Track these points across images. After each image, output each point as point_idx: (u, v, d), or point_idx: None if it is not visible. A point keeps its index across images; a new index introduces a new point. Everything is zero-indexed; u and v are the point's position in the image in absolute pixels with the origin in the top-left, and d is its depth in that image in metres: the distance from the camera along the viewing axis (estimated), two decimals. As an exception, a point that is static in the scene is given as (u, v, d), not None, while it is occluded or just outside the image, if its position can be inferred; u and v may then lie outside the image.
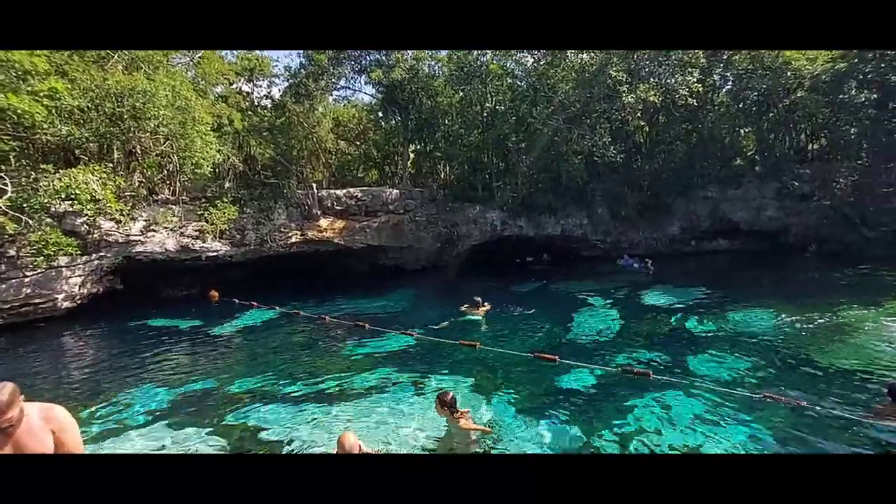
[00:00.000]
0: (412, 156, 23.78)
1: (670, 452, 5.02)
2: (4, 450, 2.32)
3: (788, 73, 17.50)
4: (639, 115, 17.05)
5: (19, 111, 10.35)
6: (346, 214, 18.34)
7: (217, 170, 16.65)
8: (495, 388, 6.89)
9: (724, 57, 18.81)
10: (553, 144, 18.19)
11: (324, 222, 17.82)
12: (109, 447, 5.42)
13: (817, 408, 5.50)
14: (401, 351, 9.09)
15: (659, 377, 6.73)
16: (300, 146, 20.41)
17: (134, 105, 12.19)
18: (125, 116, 12.24)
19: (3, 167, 11.38)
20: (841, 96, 17.26)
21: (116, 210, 12.38)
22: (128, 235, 13.71)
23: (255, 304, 13.52)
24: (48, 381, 8.23)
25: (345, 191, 18.79)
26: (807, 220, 19.00)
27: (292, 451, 5.21)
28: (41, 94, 10.71)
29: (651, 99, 16.33)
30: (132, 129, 12.59)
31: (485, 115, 20.41)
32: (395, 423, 5.80)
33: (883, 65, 16.55)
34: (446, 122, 20.94)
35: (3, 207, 10.70)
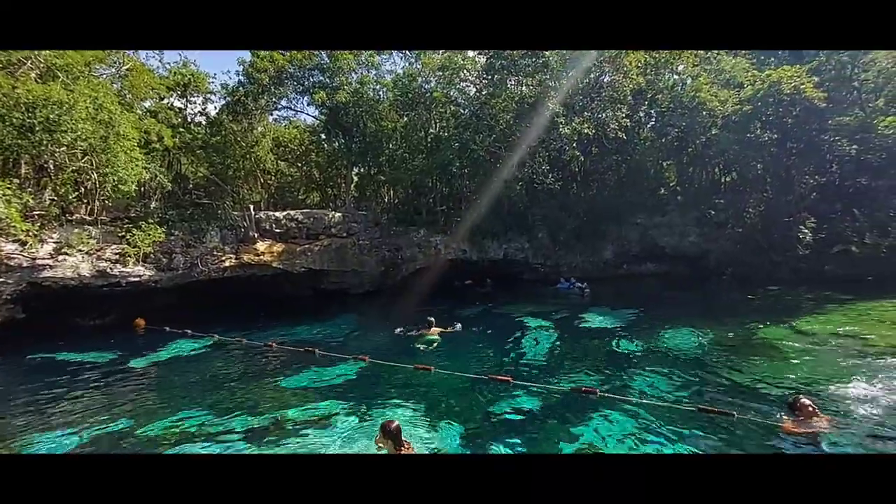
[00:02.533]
0: (356, 179, 23.54)
1: (670, 453, 5.18)
2: None
3: (704, 113, 19.45)
4: (574, 145, 18.11)
5: None
6: (285, 237, 17.65)
7: (142, 188, 15.48)
8: (449, 412, 6.80)
9: (649, 95, 20.60)
10: (495, 171, 18.80)
11: (261, 245, 17.01)
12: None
13: (739, 416, 5.92)
14: (351, 378, 8.76)
15: (605, 394, 6.96)
16: (237, 165, 19.52)
17: (48, 116, 11.12)
18: (37, 128, 11.12)
19: None
20: (748, 135, 19.39)
21: (22, 231, 11.09)
22: (34, 259, 12.26)
23: (188, 332, 12.51)
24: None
25: (285, 213, 18.14)
26: (723, 245, 20.86)
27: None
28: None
29: (585, 131, 17.44)
30: (45, 142, 11.44)
31: (429, 140, 20.75)
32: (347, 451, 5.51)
33: (781, 109, 18.85)
34: (390, 146, 21.03)
35: None
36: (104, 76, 15.83)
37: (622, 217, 21.59)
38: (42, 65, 12.87)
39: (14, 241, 11.70)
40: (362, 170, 23.17)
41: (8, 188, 11.00)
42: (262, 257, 16.79)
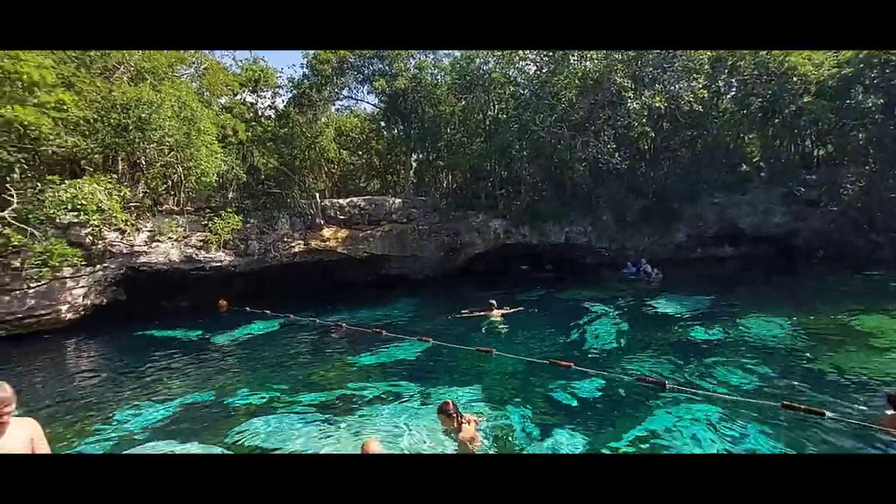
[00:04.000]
0: (415, 165, 23.78)
1: (670, 453, 4.90)
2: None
3: (794, 79, 17.45)
4: (644, 121, 16.99)
5: (25, 123, 10.38)
6: (349, 223, 18.30)
7: (221, 180, 16.65)
8: (509, 395, 6.78)
9: (729, 63, 18.80)
10: (557, 152, 18.15)
11: (327, 231, 17.77)
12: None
13: (830, 415, 5.35)
14: (413, 359, 9.00)
15: (674, 386, 6.59)
16: (303, 156, 20.41)
17: (139, 116, 12.22)
18: (131, 127, 12.26)
19: (8, 179, 11.40)
20: (847, 101, 17.18)
21: (122, 220, 12.35)
22: (132, 246, 13.68)
23: (266, 312, 13.42)
24: (49, 394, 8.12)
25: (348, 200, 18.77)
26: (814, 225, 18.82)
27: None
28: (48, 106, 10.75)
29: (656, 105, 16.29)
30: (137, 139, 12.60)
31: (487, 123, 20.42)
32: (405, 433, 5.67)
33: (888, 70, 16.48)
34: (448, 130, 20.95)
35: (9, 219, 10.69)
36: (185, 76, 17.09)
37: (697, 196, 20.09)
38: (133, 69, 14.13)
39: (115, 230, 13.11)
40: (421, 155, 23.34)
41: (109, 183, 12.24)
42: (327, 243, 17.55)
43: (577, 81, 17.85)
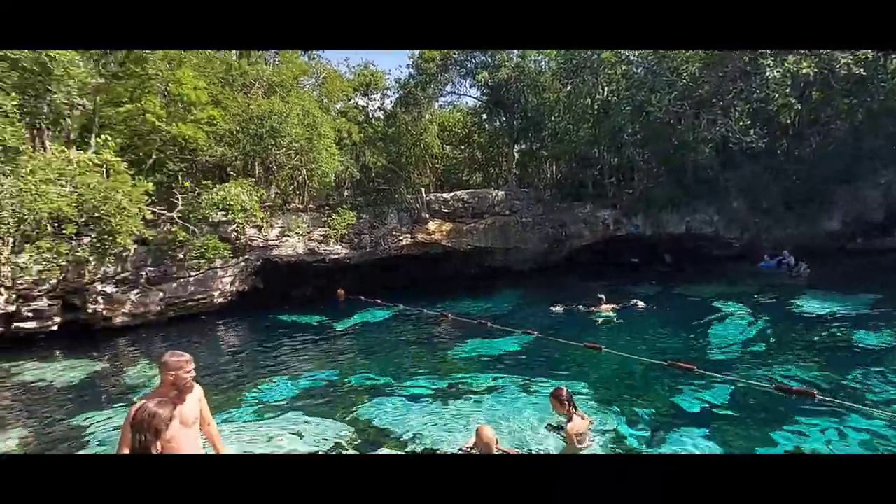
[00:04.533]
0: (517, 156, 23.43)
1: (669, 453, 4.56)
2: (181, 405, 2.92)
3: None
4: (787, 91, 14.64)
5: (186, 137, 12.31)
6: (452, 217, 18.68)
7: (338, 179, 18.11)
8: (620, 396, 6.38)
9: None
10: (677, 133, 16.49)
11: (432, 225, 18.35)
12: (253, 428, 6.06)
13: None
14: (517, 351, 8.94)
15: (825, 398, 5.62)
16: (409, 153, 21.31)
17: (272, 125, 13.77)
18: (265, 136, 13.88)
19: (174, 185, 13.67)
20: None
21: (260, 218, 14.04)
22: (267, 240, 15.54)
23: (378, 301, 14.36)
24: (206, 366, 9.54)
25: (451, 194, 19.16)
26: None
27: (415, 447, 5.30)
28: (202, 122, 12.63)
29: (803, 71, 13.91)
30: (270, 146, 14.25)
31: (595, 107, 19.29)
32: (510, 422, 5.64)
33: None
34: (552, 118, 20.24)
35: (176, 218, 12.80)
36: (307, 86, 18.85)
37: (856, 175, 16.80)
38: (265, 84, 15.95)
39: (254, 227, 14.99)
40: (524, 146, 22.92)
41: (249, 185, 13.98)
42: (432, 236, 18.14)
43: (701, 53, 15.99)
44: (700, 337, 9.18)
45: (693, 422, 5.49)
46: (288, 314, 14.24)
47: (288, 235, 15.92)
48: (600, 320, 10.66)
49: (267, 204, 15.42)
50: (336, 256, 16.96)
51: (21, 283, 11.68)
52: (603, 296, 11.15)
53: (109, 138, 12.01)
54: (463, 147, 26.02)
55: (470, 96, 23.55)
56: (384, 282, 18.08)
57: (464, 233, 18.42)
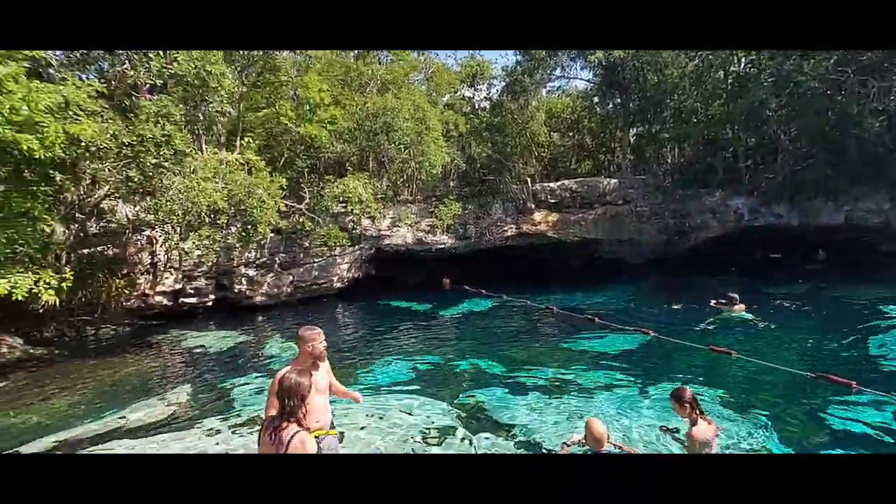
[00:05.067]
0: (632, 141, 21.74)
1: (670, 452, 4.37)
2: (315, 374, 3.17)
3: None
4: None
5: (312, 136, 13.55)
6: (560, 207, 18.03)
7: (444, 171, 18.55)
8: (752, 409, 5.62)
9: None
10: (837, 105, 13.88)
11: (538, 215, 17.91)
12: (367, 404, 6.47)
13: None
14: (630, 350, 8.37)
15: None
16: (514, 142, 20.99)
17: (385, 121, 14.53)
18: (378, 132, 14.71)
19: (301, 180, 15.17)
20: None
21: (374, 209, 14.95)
22: (379, 230, 16.55)
23: (483, 291, 14.51)
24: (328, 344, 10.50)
25: (558, 183, 18.48)
26: None
27: (520, 436, 5.24)
28: (325, 121, 13.80)
29: None
30: (382, 141, 15.07)
31: (729, 81, 17.05)
32: (622, 422, 5.29)
33: None
34: (676, 97, 18.34)
35: (304, 210, 14.20)
36: (416, 81, 19.52)
37: None
38: (379, 82, 16.87)
39: (368, 218, 16.03)
40: (641, 129, 21.19)
41: (365, 179, 14.93)
42: (538, 227, 17.71)
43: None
44: (857, 346, 7.68)
45: (843, 444, 4.62)
46: (397, 300, 15.03)
47: (398, 226, 16.76)
48: (727, 323, 9.46)
49: (379, 196, 16.39)
50: (442, 246, 17.45)
51: (186, 265, 13.97)
52: (736, 295, 9.87)
53: (251, 140, 13.73)
54: (571, 134, 24.91)
55: (580, 79, 22.42)
56: (488, 272, 18.16)
57: (571, 223, 17.69)
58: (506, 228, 17.93)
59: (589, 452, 4.03)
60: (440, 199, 17.75)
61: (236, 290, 14.65)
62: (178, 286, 13.97)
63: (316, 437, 2.91)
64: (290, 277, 15.41)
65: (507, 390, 6.71)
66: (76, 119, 7.08)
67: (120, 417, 6.47)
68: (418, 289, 17.34)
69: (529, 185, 18.22)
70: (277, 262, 15.17)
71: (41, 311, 10.80)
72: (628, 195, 17.86)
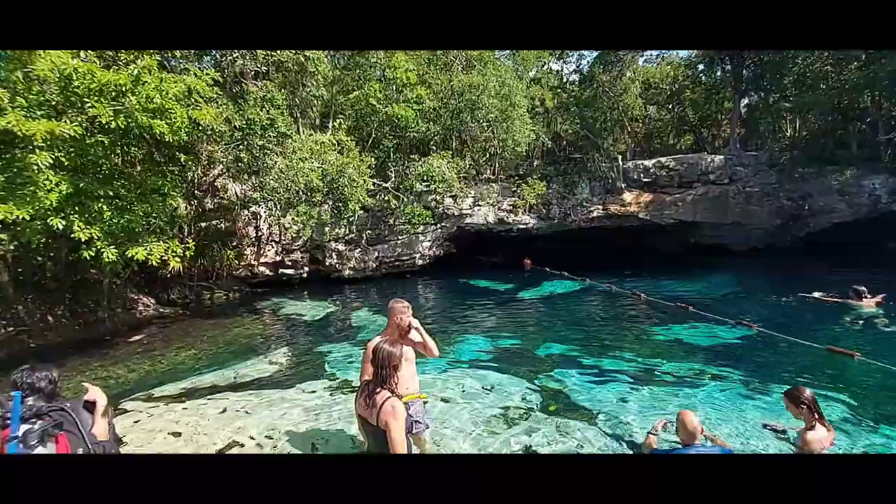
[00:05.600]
0: (744, 112, 19.44)
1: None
2: (407, 341, 3.45)
3: None
4: None
5: (399, 116, 13.83)
6: (653, 187, 16.80)
7: (528, 149, 18.06)
8: (875, 420, 4.91)
9: None
10: None
11: (628, 196, 16.86)
12: (446, 378, 6.65)
13: None
14: (730, 345, 7.69)
15: None
16: (604, 117, 19.78)
17: (470, 99, 14.42)
18: (463, 110, 14.65)
19: (388, 159, 15.64)
20: None
21: (457, 188, 15.06)
22: (460, 209, 16.66)
23: (565, 273, 14.13)
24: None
25: (654, 161, 17.16)
26: None
27: (602, 424, 5.09)
28: (411, 101, 14.00)
29: None
30: (466, 120, 15.00)
31: (872, 39, 14.44)
32: (718, 418, 4.90)
33: None
34: (799, 61, 16.00)
35: (390, 189, 14.70)
36: (500, 56, 19.02)
37: None
38: (464, 59, 16.68)
39: (450, 197, 16.20)
40: (754, 99, 18.88)
41: (448, 158, 15.02)
42: (627, 208, 16.69)
43: None
44: None
45: None
46: (477, 279, 15.13)
47: (479, 205, 16.74)
48: (861, 319, 8.27)
49: (462, 175, 16.43)
50: (524, 226, 17.17)
51: (285, 239, 15.23)
52: (864, 287, 8.59)
53: (341, 122, 14.40)
54: (670, 106, 22.92)
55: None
56: (572, 254, 17.57)
57: (667, 204, 16.43)
58: (592, 209, 17.14)
59: (675, 446, 3.80)
60: (523, 177, 17.39)
61: (327, 264, 15.70)
62: (278, 258, 15.31)
63: (405, 402, 3.05)
64: (376, 253, 16.16)
65: (589, 375, 6.51)
66: (197, 105, 7.91)
67: (232, 372, 7.31)
68: (498, 268, 17.31)
69: (620, 162, 17.15)
70: (364, 238, 15.97)
71: (168, 276, 12.46)
72: (736, 173, 16.14)
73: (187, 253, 9.66)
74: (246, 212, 14.56)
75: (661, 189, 16.67)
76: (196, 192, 12.91)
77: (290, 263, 15.46)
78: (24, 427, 2.23)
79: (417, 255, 16.64)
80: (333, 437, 4.69)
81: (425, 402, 3.83)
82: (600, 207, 17.09)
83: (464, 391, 5.96)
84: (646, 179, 16.76)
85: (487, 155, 18.12)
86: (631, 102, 19.71)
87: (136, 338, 9.78)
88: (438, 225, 16.56)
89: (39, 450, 2.25)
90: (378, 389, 2.62)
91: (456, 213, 16.62)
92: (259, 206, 13.27)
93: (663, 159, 17.01)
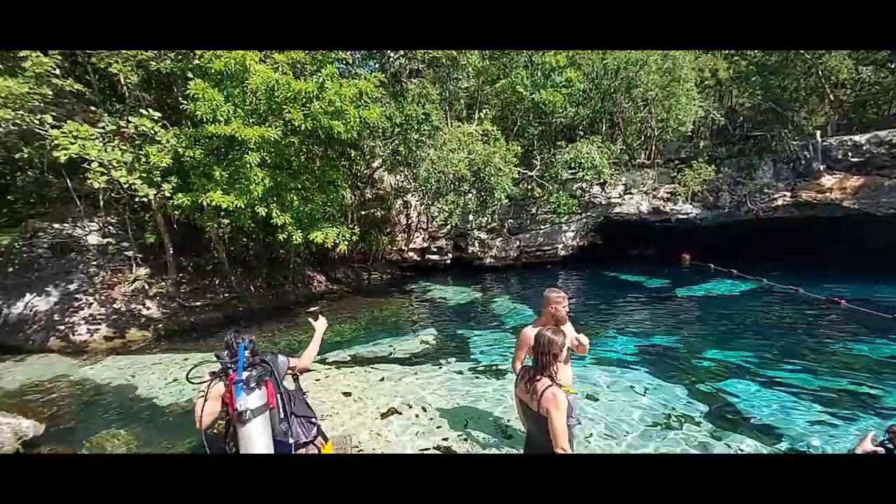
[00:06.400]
0: None
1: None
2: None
3: None
4: None
5: (545, 102, 13.48)
6: (866, 168, 13.45)
7: (693, 128, 16.00)
8: None
9: None
10: None
11: (828, 180, 13.82)
12: (597, 372, 6.36)
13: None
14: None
15: None
16: (797, 84, 16.37)
17: (626, 76, 13.34)
18: (617, 90, 13.62)
19: (532, 146, 15.40)
20: None
21: (607, 175, 14.14)
22: (609, 198, 15.62)
23: (734, 272, 12.35)
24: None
25: (868, 135, 13.68)
26: None
27: (784, 445, 4.36)
28: (559, 85, 13.51)
29: None
30: (620, 100, 13.91)
31: None
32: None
33: None
34: None
35: (535, 177, 14.51)
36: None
37: None
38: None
39: (598, 185, 15.28)
40: None
41: (598, 143, 14.16)
42: (827, 195, 13.70)
43: None
44: None
45: None
46: (626, 273, 14.10)
47: (630, 193, 15.49)
48: None
49: (612, 160, 15.35)
50: (684, 216, 15.37)
51: (432, 227, 16.19)
52: None
53: (487, 112, 14.61)
54: (893, 66, 17.91)
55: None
56: (742, 249, 15.17)
57: (885, 190, 13.05)
58: (776, 196, 14.49)
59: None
60: (685, 161, 15.52)
61: (470, 251, 16.26)
62: (425, 245, 16.38)
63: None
64: (517, 242, 16.17)
65: (764, 389, 5.59)
66: (366, 105, 8.84)
67: (388, 346, 8.11)
68: (649, 262, 15.87)
69: (818, 139, 14.11)
70: (506, 227, 16.08)
71: (335, 258, 14.28)
72: None
73: (353, 237, 10.94)
74: (399, 201, 15.85)
75: (878, 171, 13.24)
76: (359, 183, 14.50)
77: (435, 250, 16.42)
78: (245, 373, 2.74)
79: (560, 245, 16.17)
80: (483, 418, 4.88)
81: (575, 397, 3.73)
82: (787, 194, 14.33)
83: (609, 387, 5.66)
84: (855, 159, 13.49)
85: (642, 138, 16.56)
86: (836, 65, 15.97)
87: (312, 309, 11.46)
88: (584, 214, 15.81)
89: (256, 392, 2.75)
90: (538, 376, 2.63)
91: (603, 202, 15.65)
92: (411, 195, 14.32)
93: (882, 133, 13.45)
